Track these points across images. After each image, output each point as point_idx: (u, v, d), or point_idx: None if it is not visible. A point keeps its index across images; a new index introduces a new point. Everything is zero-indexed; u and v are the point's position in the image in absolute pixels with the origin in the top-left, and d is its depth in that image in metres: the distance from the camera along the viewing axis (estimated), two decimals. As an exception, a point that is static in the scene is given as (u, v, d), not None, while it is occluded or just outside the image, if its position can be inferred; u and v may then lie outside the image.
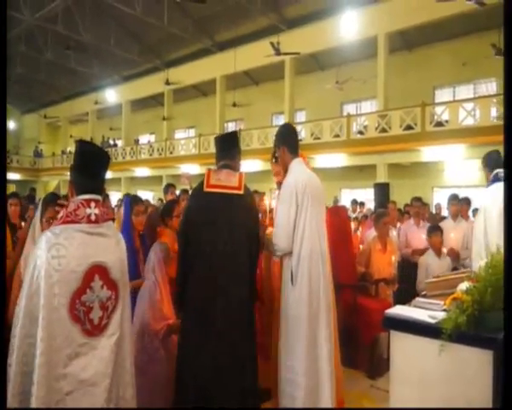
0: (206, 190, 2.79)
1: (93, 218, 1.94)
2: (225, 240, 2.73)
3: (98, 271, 1.92)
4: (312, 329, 2.82)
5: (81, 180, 2.00)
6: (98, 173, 2.06)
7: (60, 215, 1.97)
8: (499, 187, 3.45)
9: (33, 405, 1.72)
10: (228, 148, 3.01)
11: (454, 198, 5.60)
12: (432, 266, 4.81)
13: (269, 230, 3.12)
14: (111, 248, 2.01)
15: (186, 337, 2.76)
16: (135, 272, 3.22)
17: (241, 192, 2.85)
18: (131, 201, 3.53)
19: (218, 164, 2.95)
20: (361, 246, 5.45)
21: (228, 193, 2.80)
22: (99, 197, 2.01)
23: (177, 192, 7.32)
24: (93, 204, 1.96)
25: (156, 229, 3.59)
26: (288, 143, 3.11)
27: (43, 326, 1.75)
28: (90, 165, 2.03)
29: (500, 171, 3.42)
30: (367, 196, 14.18)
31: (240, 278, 2.76)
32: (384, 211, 5.42)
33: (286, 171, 3.09)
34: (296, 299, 2.82)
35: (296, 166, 3.03)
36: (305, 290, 2.81)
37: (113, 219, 3.55)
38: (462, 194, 6.18)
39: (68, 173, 2.12)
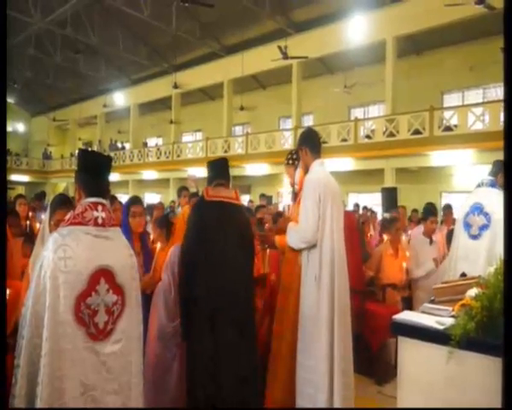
0: (208, 199, 2.95)
1: (100, 221, 1.95)
2: (229, 243, 2.85)
3: (104, 274, 1.92)
4: (330, 330, 2.83)
5: (89, 183, 2.02)
6: (103, 176, 2.08)
7: (67, 217, 1.97)
8: (472, 193, 3.57)
9: (38, 406, 1.71)
10: (221, 170, 3.13)
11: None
12: None
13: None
14: (117, 253, 2.01)
15: (194, 345, 2.80)
16: None
17: (239, 203, 3.09)
18: (128, 202, 3.42)
19: (211, 184, 3.05)
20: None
21: (227, 201, 2.98)
22: (105, 201, 2.03)
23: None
24: (100, 207, 1.97)
25: (171, 229, 3.60)
26: (310, 143, 3.23)
27: (48, 327, 1.75)
28: (96, 167, 2.06)
29: (484, 178, 3.53)
30: (374, 201, 14.12)
31: (244, 279, 2.89)
32: (396, 216, 5.38)
33: (306, 171, 3.19)
34: (316, 299, 2.86)
35: (317, 167, 3.14)
36: (326, 291, 2.86)
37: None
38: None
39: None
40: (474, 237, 3.45)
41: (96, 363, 1.86)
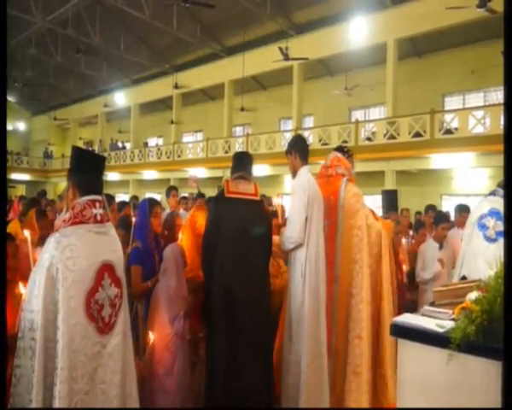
0: (227, 195, 3.08)
1: (99, 218, 2.00)
2: (247, 239, 3.00)
3: (107, 269, 1.98)
4: (315, 317, 3.08)
5: (84, 181, 2.05)
6: (98, 174, 2.13)
7: (67, 217, 1.99)
8: (485, 200, 3.54)
9: (56, 405, 1.74)
10: (244, 163, 3.30)
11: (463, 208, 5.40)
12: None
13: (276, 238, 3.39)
14: (114, 247, 2.07)
15: (213, 338, 2.97)
16: (153, 273, 3.29)
17: (258, 198, 3.21)
18: (150, 203, 3.50)
19: (233, 176, 3.21)
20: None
21: (247, 198, 3.12)
22: (101, 198, 2.07)
23: (185, 195, 7.32)
24: (98, 204, 2.01)
25: (174, 230, 3.64)
26: (299, 149, 3.40)
27: (63, 329, 1.77)
28: (91, 166, 2.10)
29: (497, 189, 3.49)
30: (374, 203, 14.11)
31: (261, 272, 3.09)
32: (397, 219, 5.34)
33: (294, 175, 3.37)
34: (302, 291, 3.07)
35: (305, 172, 3.31)
36: (309, 284, 3.07)
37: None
38: (470, 202, 6.03)
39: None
40: (491, 240, 3.40)
41: (105, 356, 1.92)
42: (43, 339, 1.76)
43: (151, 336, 2.91)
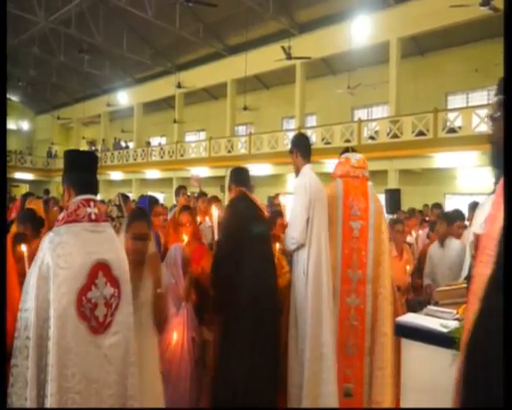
0: (251, 197, 3.25)
1: (93, 217, 1.98)
2: (266, 243, 3.19)
3: (101, 268, 1.96)
4: (317, 318, 3.10)
5: (78, 181, 2.05)
6: (91, 173, 2.12)
7: (61, 216, 2.00)
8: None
9: (48, 405, 1.74)
10: (245, 179, 3.38)
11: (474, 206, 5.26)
12: None
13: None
14: (111, 247, 2.05)
15: (227, 342, 3.03)
16: None
17: (266, 213, 3.40)
18: (150, 201, 3.48)
19: (235, 189, 3.29)
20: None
21: (262, 209, 3.30)
22: (96, 198, 2.07)
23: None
24: (92, 203, 2.01)
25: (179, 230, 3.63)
26: (301, 147, 3.40)
27: (54, 325, 1.77)
28: (82, 165, 2.10)
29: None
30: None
31: (274, 278, 3.20)
32: (398, 218, 5.33)
33: (297, 173, 3.40)
34: (305, 291, 3.11)
35: (308, 171, 3.32)
36: (312, 284, 3.10)
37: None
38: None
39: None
40: None
41: (98, 356, 1.90)
42: (35, 337, 1.77)
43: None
